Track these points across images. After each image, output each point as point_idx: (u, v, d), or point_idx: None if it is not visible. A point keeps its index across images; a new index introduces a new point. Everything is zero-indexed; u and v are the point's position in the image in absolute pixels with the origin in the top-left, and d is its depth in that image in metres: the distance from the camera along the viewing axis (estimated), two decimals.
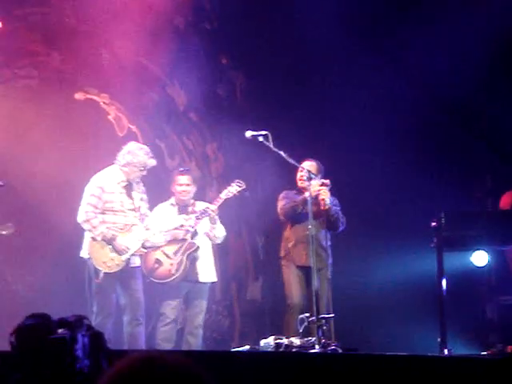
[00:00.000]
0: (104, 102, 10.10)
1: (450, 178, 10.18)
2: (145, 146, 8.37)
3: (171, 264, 8.47)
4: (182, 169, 9.12)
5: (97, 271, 8.00)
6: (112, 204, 8.08)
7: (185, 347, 8.52)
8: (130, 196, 8.18)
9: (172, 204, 8.77)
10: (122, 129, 10.17)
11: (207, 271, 8.75)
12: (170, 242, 8.51)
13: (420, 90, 10.50)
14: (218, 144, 10.65)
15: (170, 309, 8.56)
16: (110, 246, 8.00)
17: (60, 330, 3.14)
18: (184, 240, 8.51)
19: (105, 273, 7.97)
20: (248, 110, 10.41)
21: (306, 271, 8.34)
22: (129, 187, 8.19)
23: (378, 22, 10.40)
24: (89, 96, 10.00)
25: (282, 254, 8.60)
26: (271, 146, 7.92)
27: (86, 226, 8.04)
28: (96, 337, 3.20)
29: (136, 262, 8.20)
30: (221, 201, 8.54)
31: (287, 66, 9.95)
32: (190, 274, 8.58)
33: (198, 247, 8.60)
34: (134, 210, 8.19)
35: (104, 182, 8.12)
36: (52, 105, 9.54)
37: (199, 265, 8.68)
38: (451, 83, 10.02)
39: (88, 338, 3.15)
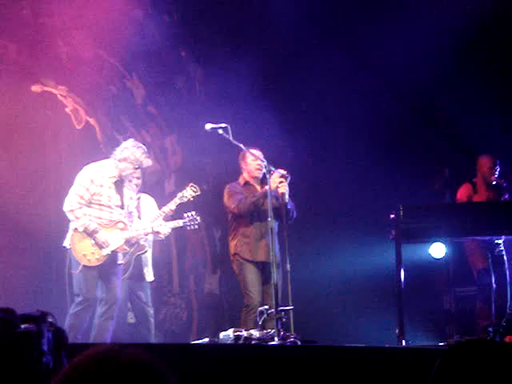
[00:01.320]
0: (61, 95, 10.02)
1: (409, 171, 10.26)
2: (143, 146, 8.28)
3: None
4: None
5: (75, 263, 7.92)
6: (99, 197, 7.95)
7: (140, 341, 8.50)
8: (119, 193, 8.06)
9: None
10: (80, 121, 10.11)
11: (150, 271, 8.75)
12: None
13: (382, 85, 10.56)
14: (176, 137, 10.63)
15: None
16: (92, 240, 7.91)
17: (24, 325, 3.12)
18: (135, 243, 8.41)
19: (84, 265, 7.88)
20: (207, 102, 10.39)
21: (262, 266, 8.36)
22: (119, 184, 8.07)
23: (343, 18, 10.45)
24: (46, 88, 9.92)
25: (237, 250, 8.47)
26: (231, 138, 7.91)
27: (70, 216, 7.93)
28: (58, 333, 3.18)
29: (120, 259, 8.12)
30: (174, 205, 8.47)
31: (247, 58, 9.94)
32: (134, 274, 8.53)
33: (146, 250, 8.57)
34: (120, 206, 8.08)
35: (95, 174, 7.98)
36: (8, 97, 9.45)
37: (144, 266, 8.67)
38: (412, 78, 10.11)
39: (51, 333, 3.14)
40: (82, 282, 7.91)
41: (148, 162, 8.18)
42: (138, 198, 8.66)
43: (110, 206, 8.02)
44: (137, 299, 8.69)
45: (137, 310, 8.71)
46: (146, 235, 8.40)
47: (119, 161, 8.06)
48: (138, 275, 8.60)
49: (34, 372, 2.99)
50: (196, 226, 8.62)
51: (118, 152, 8.11)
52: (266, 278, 8.32)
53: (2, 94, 9.40)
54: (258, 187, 8.54)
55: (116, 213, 8.06)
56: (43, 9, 9.70)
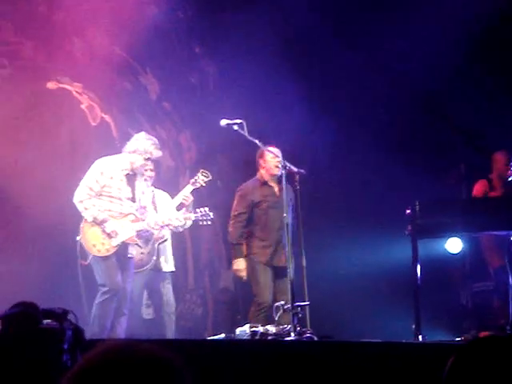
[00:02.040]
0: (77, 92, 10.04)
1: (424, 166, 10.24)
2: (153, 138, 8.28)
3: (142, 253, 8.43)
4: None
5: (85, 253, 7.93)
6: (110, 189, 7.94)
7: (157, 337, 8.50)
8: (130, 185, 8.04)
9: None
10: (95, 118, 10.13)
11: (168, 261, 8.76)
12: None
13: (396, 82, 10.53)
14: (191, 133, 10.63)
15: (136, 296, 8.53)
16: (101, 230, 7.92)
17: (46, 321, 3.13)
18: (150, 237, 8.42)
19: (94, 256, 7.88)
20: (222, 98, 10.38)
21: (276, 268, 8.41)
22: (131, 177, 8.06)
23: (353, 14, 10.43)
24: (61, 85, 9.94)
25: (252, 251, 8.49)
26: (246, 134, 7.90)
27: (79, 207, 7.93)
28: (77, 331, 3.19)
29: (132, 252, 8.12)
30: (189, 192, 8.51)
31: (260, 54, 9.94)
32: (156, 263, 8.57)
33: (166, 239, 8.60)
34: (131, 199, 8.06)
35: (105, 167, 7.99)
36: (24, 94, 9.47)
37: (161, 255, 8.68)
38: (427, 74, 10.08)
39: (71, 331, 3.15)
40: (103, 271, 7.91)
41: (158, 153, 8.16)
42: (153, 192, 8.66)
43: (120, 199, 8.00)
44: (155, 293, 8.67)
45: (155, 303, 8.69)
46: (162, 227, 8.39)
47: (129, 153, 8.08)
48: (158, 265, 8.60)
49: (53, 369, 3.00)
50: (209, 222, 8.61)
51: (129, 144, 8.13)
52: (277, 276, 8.37)
53: (18, 90, 9.42)
54: (276, 187, 8.51)
55: (127, 205, 8.05)
56: (59, 6, 9.72)
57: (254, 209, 8.52)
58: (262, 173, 8.61)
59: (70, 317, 3.20)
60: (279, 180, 8.43)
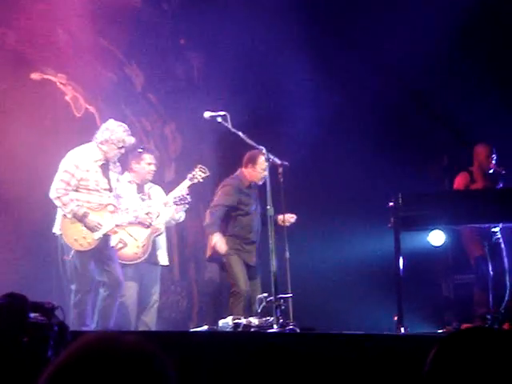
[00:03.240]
0: (61, 83, 10.00)
1: (407, 159, 10.27)
2: (123, 124, 8.21)
3: (138, 246, 8.44)
4: (142, 147, 9.03)
5: (67, 248, 7.89)
6: (87, 182, 7.89)
7: (141, 328, 8.52)
8: (105, 176, 8.01)
9: (129, 181, 8.72)
10: (80, 109, 10.10)
11: (163, 254, 8.79)
12: (133, 224, 8.44)
13: (378, 73, 10.56)
14: (176, 125, 10.62)
15: (128, 289, 8.55)
16: (82, 224, 7.90)
17: (33, 314, 3.12)
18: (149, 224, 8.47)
19: (76, 250, 7.88)
20: (206, 90, 10.38)
21: (248, 265, 8.52)
22: (105, 166, 8.02)
23: (344, 10, 10.45)
24: (45, 76, 9.90)
25: (229, 248, 8.51)
26: (230, 126, 7.91)
27: (57, 203, 7.88)
28: (63, 328, 3.19)
29: (112, 242, 8.12)
30: (186, 187, 8.52)
31: (245, 46, 9.93)
32: (151, 256, 8.60)
33: (162, 232, 8.63)
34: (109, 189, 8.02)
35: (80, 159, 7.93)
36: (8, 85, 9.44)
37: (158, 248, 8.71)
38: (409, 66, 10.10)
39: (57, 327, 3.15)
40: (74, 268, 7.88)
41: (130, 140, 8.07)
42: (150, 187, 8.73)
43: (98, 190, 7.96)
44: (143, 284, 8.69)
45: (142, 295, 8.71)
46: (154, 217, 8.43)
47: (101, 143, 7.99)
48: (152, 258, 8.62)
49: (38, 364, 3.00)
50: (186, 206, 8.59)
51: (99, 134, 8.04)
52: (250, 275, 8.46)
53: (1, 81, 9.38)
54: (256, 191, 8.62)
55: (105, 196, 8.02)
56: None
57: (233, 207, 8.55)
58: (246, 174, 8.61)
59: (58, 312, 3.20)
60: (256, 185, 8.56)
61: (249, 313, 8.10)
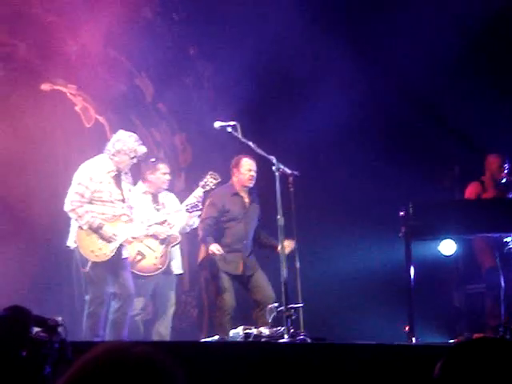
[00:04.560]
0: (71, 93, 10.03)
1: (418, 168, 10.24)
2: (134, 134, 8.22)
3: (156, 257, 8.46)
4: (154, 157, 9.07)
5: (84, 260, 7.90)
6: (100, 194, 7.92)
7: (156, 338, 8.52)
8: (118, 186, 8.03)
9: (144, 192, 8.73)
10: (90, 120, 10.12)
11: (178, 263, 8.81)
12: (148, 236, 8.46)
13: (390, 82, 10.55)
14: (186, 135, 10.63)
15: (141, 300, 8.55)
16: (97, 236, 7.90)
17: (36, 329, 3.11)
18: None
19: (93, 262, 7.88)
20: (216, 100, 10.39)
21: (233, 276, 8.54)
22: (118, 177, 8.03)
23: (351, 15, 10.45)
24: (55, 87, 9.93)
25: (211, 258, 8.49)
26: (240, 136, 7.91)
27: (72, 215, 7.91)
28: (64, 346, 3.18)
29: (125, 253, 8.12)
30: (199, 195, 8.51)
31: (256, 56, 9.94)
32: (168, 266, 8.63)
33: (179, 241, 8.64)
34: (122, 200, 8.04)
35: (93, 171, 7.95)
36: (18, 96, 9.47)
37: (172, 258, 8.71)
38: (421, 75, 10.10)
39: (58, 345, 3.14)
40: (90, 280, 7.92)
41: (142, 150, 8.10)
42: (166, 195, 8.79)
43: (111, 201, 7.99)
44: (159, 295, 8.69)
45: (158, 305, 8.71)
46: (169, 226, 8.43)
47: (113, 155, 8.01)
48: (166, 268, 8.63)
49: (33, 379, 2.98)
50: (199, 212, 8.59)
51: (111, 146, 8.06)
52: (234, 284, 8.52)
53: (12, 92, 9.41)
54: (247, 199, 8.58)
55: (118, 207, 8.04)
56: (53, 8, 9.71)
57: (221, 216, 8.53)
58: (234, 181, 8.62)
59: (61, 329, 3.18)
60: (250, 191, 8.51)
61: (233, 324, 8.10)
